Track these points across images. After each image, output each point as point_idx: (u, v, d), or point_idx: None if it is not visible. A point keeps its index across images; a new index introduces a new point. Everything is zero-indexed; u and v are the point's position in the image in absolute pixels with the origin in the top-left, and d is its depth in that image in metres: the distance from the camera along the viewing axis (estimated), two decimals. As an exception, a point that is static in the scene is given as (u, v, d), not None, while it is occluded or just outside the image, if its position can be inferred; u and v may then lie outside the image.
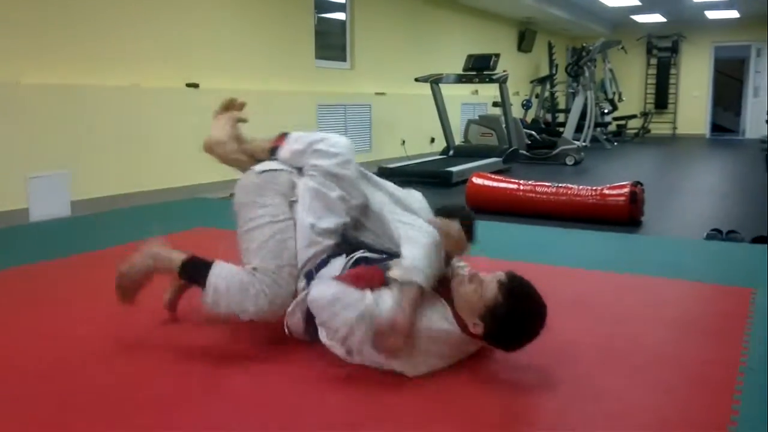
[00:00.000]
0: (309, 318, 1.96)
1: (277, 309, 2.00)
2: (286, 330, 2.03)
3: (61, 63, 4.81)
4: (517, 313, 1.85)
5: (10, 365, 2.04)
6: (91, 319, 2.43)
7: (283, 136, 2.23)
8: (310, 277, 2.02)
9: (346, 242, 2.08)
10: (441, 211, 2.26)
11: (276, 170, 2.15)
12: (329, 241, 2.05)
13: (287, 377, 1.94)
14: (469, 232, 2.20)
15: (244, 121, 2.36)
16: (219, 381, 1.91)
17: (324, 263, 2.03)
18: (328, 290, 1.87)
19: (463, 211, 2.35)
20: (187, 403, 1.78)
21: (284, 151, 2.18)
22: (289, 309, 2.00)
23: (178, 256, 2.08)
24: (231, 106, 2.37)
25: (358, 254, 2.03)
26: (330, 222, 2.05)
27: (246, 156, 2.27)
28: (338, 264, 2.02)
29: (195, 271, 2.05)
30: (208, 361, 2.04)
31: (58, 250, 3.60)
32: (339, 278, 1.93)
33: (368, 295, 1.84)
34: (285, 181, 2.13)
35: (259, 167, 2.17)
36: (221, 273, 2.02)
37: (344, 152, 2.11)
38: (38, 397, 1.82)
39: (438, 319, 1.92)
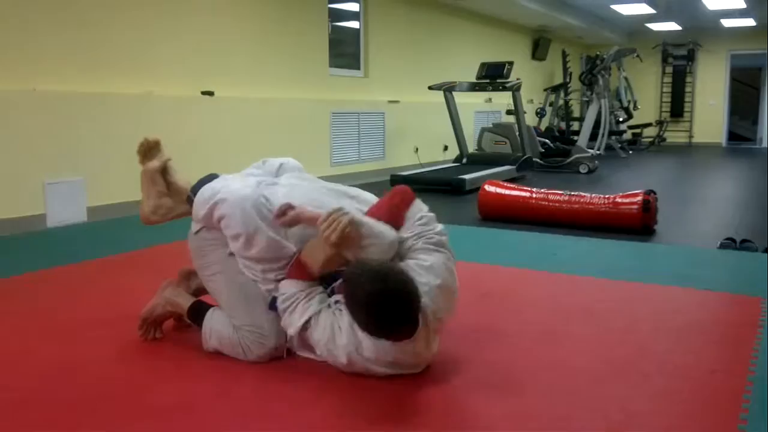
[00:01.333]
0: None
1: (272, 352, 2.07)
2: (284, 354, 2.09)
3: (77, 71, 4.88)
4: (358, 301, 1.78)
5: (21, 367, 2.08)
6: (103, 324, 2.47)
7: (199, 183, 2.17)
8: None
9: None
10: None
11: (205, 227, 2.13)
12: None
13: (293, 383, 1.96)
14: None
15: (167, 161, 2.31)
16: (228, 387, 1.93)
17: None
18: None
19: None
20: (196, 408, 1.81)
21: (194, 211, 2.13)
22: (296, 344, 2.05)
23: (185, 302, 2.24)
24: (147, 149, 2.31)
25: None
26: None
27: (183, 204, 2.24)
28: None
29: (196, 317, 2.19)
30: (216, 367, 2.07)
31: (75, 255, 3.65)
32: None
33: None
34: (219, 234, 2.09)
35: (193, 227, 2.18)
36: (214, 326, 2.12)
37: (241, 230, 1.98)
38: (46, 399, 1.85)
39: (360, 335, 1.90)
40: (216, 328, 2.11)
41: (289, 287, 1.99)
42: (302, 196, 2.08)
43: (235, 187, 2.06)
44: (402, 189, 2.12)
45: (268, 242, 1.99)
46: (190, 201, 2.15)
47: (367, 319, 1.78)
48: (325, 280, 2.04)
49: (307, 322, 1.95)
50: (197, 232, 2.15)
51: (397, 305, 1.74)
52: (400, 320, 1.77)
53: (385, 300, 1.72)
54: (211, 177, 2.18)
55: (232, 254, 2.06)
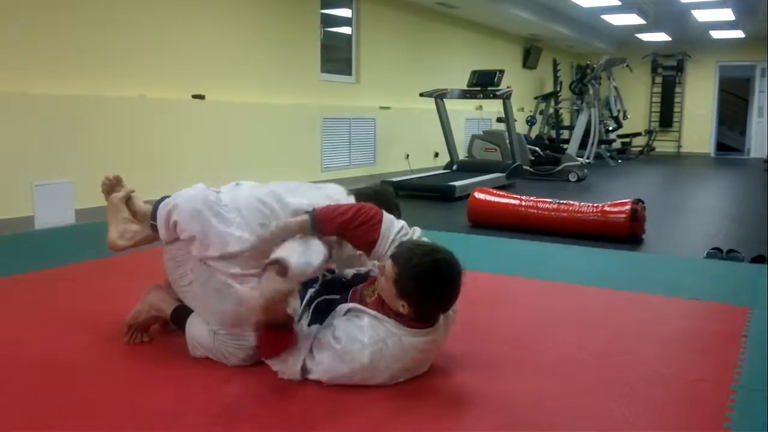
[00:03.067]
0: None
1: (252, 354, 2.08)
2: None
3: (68, 74, 4.86)
4: (419, 271, 1.87)
5: (5, 370, 2.06)
6: (90, 327, 2.46)
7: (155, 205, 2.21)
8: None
9: None
10: (361, 195, 2.27)
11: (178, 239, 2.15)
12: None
13: (283, 386, 1.96)
14: (393, 208, 2.19)
15: (131, 191, 2.39)
16: (217, 389, 1.93)
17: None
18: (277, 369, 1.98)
19: (382, 190, 2.37)
20: (185, 412, 1.80)
21: (160, 231, 2.16)
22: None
23: (168, 307, 2.26)
24: (111, 187, 2.39)
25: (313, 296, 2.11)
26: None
27: (149, 229, 2.27)
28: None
29: (180, 322, 2.21)
30: (205, 370, 2.06)
31: (62, 257, 3.63)
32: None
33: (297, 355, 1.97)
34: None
35: (164, 244, 2.22)
36: (194, 334, 2.14)
37: (194, 231, 2.03)
38: (30, 403, 1.84)
39: (382, 333, 1.94)
40: (196, 336, 2.13)
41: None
42: (244, 199, 2.13)
43: (184, 193, 2.14)
44: (368, 214, 2.03)
45: (222, 238, 2.01)
46: (153, 227, 2.20)
47: (419, 288, 1.88)
48: (334, 287, 2.08)
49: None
50: (168, 246, 2.18)
51: (447, 274, 1.89)
52: (449, 288, 1.91)
53: (436, 269, 1.88)
54: (164, 198, 2.20)
55: (203, 262, 2.07)
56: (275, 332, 1.93)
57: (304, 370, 1.96)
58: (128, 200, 2.37)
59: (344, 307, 2.04)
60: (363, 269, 2.22)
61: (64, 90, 4.81)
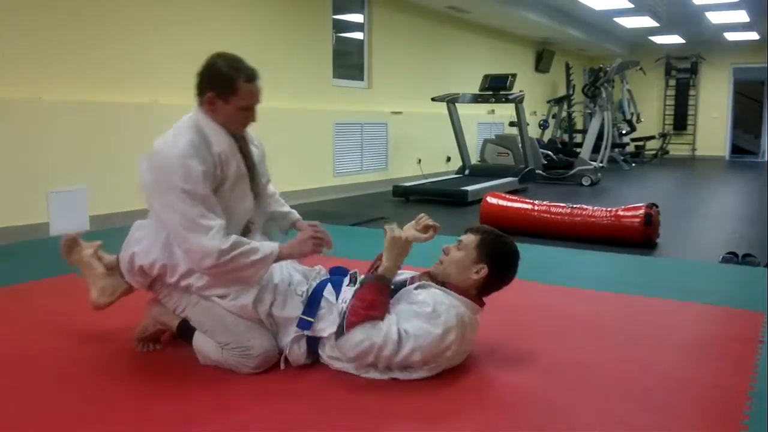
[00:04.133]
0: (310, 348, 2.10)
1: (266, 361, 2.09)
2: (283, 365, 2.11)
3: (83, 80, 4.91)
4: (500, 237, 2.19)
5: (21, 375, 2.08)
6: (104, 333, 2.48)
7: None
8: (307, 325, 2.09)
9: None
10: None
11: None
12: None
13: (292, 392, 1.96)
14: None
15: (98, 246, 2.41)
16: (228, 397, 1.94)
17: (314, 304, 2.11)
18: (358, 339, 1.98)
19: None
20: (195, 419, 1.81)
21: (131, 281, 2.21)
22: (287, 351, 2.10)
23: (173, 321, 2.25)
24: (69, 248, 2.42)
25: (323, 283, 2.16)
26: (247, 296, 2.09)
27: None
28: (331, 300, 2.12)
29: (186, 335, 2.22)
30: (216, 377, 2.07)
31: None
32: (355, 315, 1.98)
33: (389, 320, 1.99)
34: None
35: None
36: (201, 349, 2.15)
37: (156, 257, 2.09)
38: (45, 407, 1.85)
39: (454, 300, 2.08)
40: (203, 350, 2.15)
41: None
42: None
43: (131, 240, 2.17)
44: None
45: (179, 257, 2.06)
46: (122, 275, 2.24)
47: (500, 249, 2.16)
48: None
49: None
50: (150, 288, 2.20)
51: (516, 248, 2.21)
52: (517, 262, 2.21)
53: (512, 241, 2.21)
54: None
55: (184, 290, 2.11)
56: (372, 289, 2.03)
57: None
58: (98, 255, 2.39)
59: (412, 285, 2.14)
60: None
61: (79, 96, 4.85)
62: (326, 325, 2.07)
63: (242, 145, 2.19)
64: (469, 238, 2.15)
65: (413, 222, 2.17)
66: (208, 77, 2.10)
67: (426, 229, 2.16)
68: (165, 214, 2.02)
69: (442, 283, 2.13)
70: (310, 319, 2.09)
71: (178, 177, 1.96)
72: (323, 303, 2.11)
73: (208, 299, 2.10)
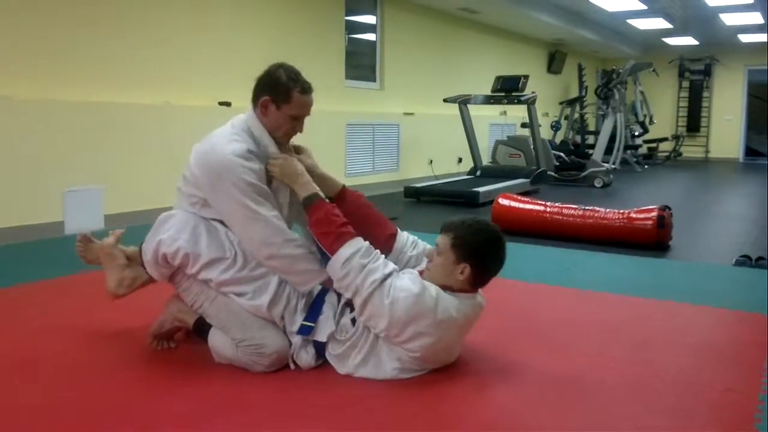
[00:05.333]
0: (318, 352, 2.11)
1: (279, 360, 2.11)
2: (292, 365, 2.13)
3: (97, 81, 4.95)
4: (474, 232, 2.09)
5: (36, 373, 2.11)
6: (119, 331, 2.50)
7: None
8: (307, 330, 2.12)
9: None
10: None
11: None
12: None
13: (303, 390, 1.97)
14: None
15: (120, 234, 2.43)
16: (243, 395, 1.95)
17: (316, 310, 2.13)
18: (348, 253, 2.01)
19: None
20: (211, 417, 1.82)
21: (151, 272, 2.21)
22: (295, 353, 2.12)
23: (190, 318, 2.28)
24: (86, 247, 2.46)
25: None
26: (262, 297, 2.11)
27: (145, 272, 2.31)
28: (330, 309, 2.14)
29: (202, 333, 2.25)
30: (230, 375, 2.09)
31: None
32: (326, 237, 2.05)
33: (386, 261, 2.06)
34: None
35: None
36: (216, 346, 2.18)
37: (181, 244, 2.10)
38: (60, 406, 1.88)
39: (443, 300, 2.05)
40: (218, 347, 2.17)
41: (355, 244, 2.03)
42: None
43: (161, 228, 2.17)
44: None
45: (210, 241, 2.09)
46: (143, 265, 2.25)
47: (480, 244, 2.08)
48: None
49: (389, 275, 2.01)
50: (170, 280, 2.22)
51: (499, 233, 2.14)
52: (503, 247, 2.13)
53: (491, 228, 2.14)
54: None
55: (204, 284, 2.13)
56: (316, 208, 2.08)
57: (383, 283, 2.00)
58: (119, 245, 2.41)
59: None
60: None
61: (93, 97, 4.89)
62: (327, 330, 2.10)
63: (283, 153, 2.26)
64: (443, 241, 2.09)
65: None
66: (266, 83, 2.20)
67: (297, 150, 2.28)
68: (225, 206, 2.10)
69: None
70: (311, 324, 2.12)
71: (239, 170, 2.05)
72: (324, 308, 2.14)
73: (226, 296, 2.12)
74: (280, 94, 2.16)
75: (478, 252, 2.07)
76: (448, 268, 2.07)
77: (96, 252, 2.44)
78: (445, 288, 2.07)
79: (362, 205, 2.36)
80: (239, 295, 2.11)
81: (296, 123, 2.22)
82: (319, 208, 2.09)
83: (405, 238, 2.34)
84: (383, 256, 2.09)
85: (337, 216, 2.08)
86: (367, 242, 2.06)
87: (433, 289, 2.03)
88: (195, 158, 2.15)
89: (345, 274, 2.00)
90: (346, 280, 2.01)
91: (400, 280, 2.01)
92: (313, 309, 2.14)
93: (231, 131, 2.17)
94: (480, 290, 2.18)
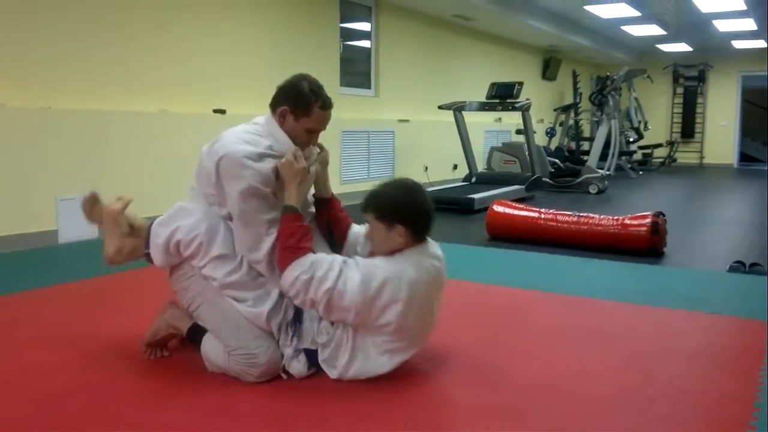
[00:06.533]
0: (310, 360, 2.12)
1: (270, 371, 2.10)
2: (284, 375, 2.13)
3: (91, 89, 4.95)
4: (388, 194, 2.15)
5: (27, 383, 2.10)
6: (113, 340, 2.49)
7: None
8: (295, 332, 2.14)
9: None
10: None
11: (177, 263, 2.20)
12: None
13: (296, 398, 1.97)
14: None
15: (128, 202, 2.39)
16: (234, 404, 1.95)
17: (299, 315, 2.15)
18: (295, 275, 2.03)
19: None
20: (203, 426, 1.82)
21: (155, 257, 2.21)
22: (287, 363, 2.12)
23: (184, 325, 2.29)
24: (92, 204, 2.42)
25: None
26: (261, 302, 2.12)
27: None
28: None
29: (195, 340, 2.25)
30: (223, 384, 2.08)
31: (85, 271, 3.68)
32: (282, 252, 2.07)
33: (335, 258, 2.10)
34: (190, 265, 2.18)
35: (165, 272, 2.26)
36: (208, 354, 2.18)
37: (195, 232, 2.12)
38: (51, 416, 1.87)
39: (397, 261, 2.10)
40: (210, 355, 2.17)
41: (300, 264, 2.04)
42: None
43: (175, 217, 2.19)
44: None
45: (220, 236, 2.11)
46: (147, 256, 2.24)
47: (401, 200, 2.13)
48: None
49: (339, 273, 2.03)
50: (171, 274, 2.21)
51: (414, 183, 2.22)
52: (423, 194, 2.19)
53: (403, 181, 2.21)
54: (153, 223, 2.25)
55: (206, 280, 2.13)
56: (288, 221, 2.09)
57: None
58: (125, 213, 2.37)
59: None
60: None
61: (88, 105, 4.89)
62: (308, 335, 2.12)
63: None
64: (370, 218, 2.15)
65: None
66: (288, 93, 2.21)
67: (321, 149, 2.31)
68: (229, 204, 2.11)
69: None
70: (291, 328, 2.14)
71: (245, 172, 2.06)
72: (305, 316, 2.14)
73: (225, 300, 2.12)
74: (301, 106, 2.18)
75: (401, 210, 2.11)
76: (386, 238, 2.12)
77: (101, 214, 2.39)
78: (395, 254, 2.12)
79: (338, 210, 2.43)
80: (240, 300, 2.11)
81: (312, 136, 2.24)
82: (291, 220, 2.11)
83: (356, 230, 2.37)
84: (331, 256, 2.11)
85: (299, 233, 2.09)
86: (313, 255, 2.07)
87: (378, 261, 2.09)
88: (206, 156, 2.16)
89: (296, 294, 2.04)
90: (298, 298, 2.05)
91: (349, 270, 2.05)
92: (298, 315, 2.15)
93: (243, 132, 2.18)
94: (430, 241, 2.22)
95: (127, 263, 2.38)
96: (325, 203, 2.38)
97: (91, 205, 2.42)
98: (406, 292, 2.03)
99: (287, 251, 2.06)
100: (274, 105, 2.23)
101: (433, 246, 2.22)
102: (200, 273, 2.13)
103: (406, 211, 2.12)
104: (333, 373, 2.10)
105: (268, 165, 2.11)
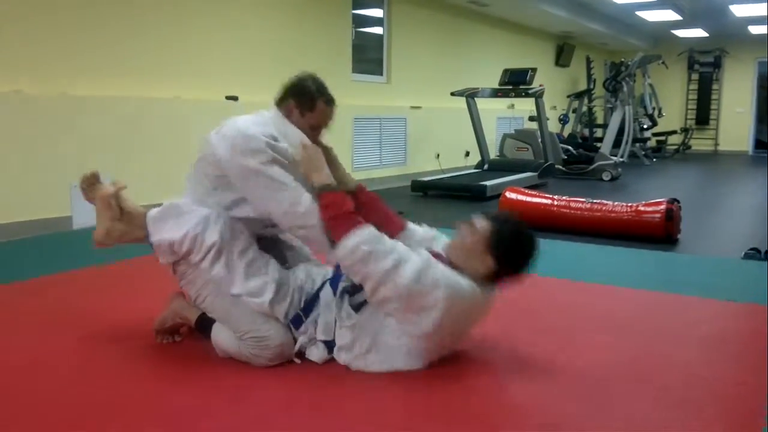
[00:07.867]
0: (328, 347, 2.11)
1: (282, 353, 2.11)
2: (298, 360, 2.13)
3: (105, 76, 4.96)
4: (514, 228, 2.09)
5: (41, 368, 2.12)
6: (126, 325, 2.51)
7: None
8: (298, 322, 2.13)
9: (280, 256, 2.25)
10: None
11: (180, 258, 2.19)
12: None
13: (309, 384, 1.98)
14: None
15: (121, 188, 2.37)
16: (245, 390, 1.96)
17: (311, 305, 2.14)
18: (354, 243, 1.98)
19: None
20: (213, 412, 1.83)
21: (155, 243, 2.21)
22: (306, 350, 2.13)
23: (193, 315, 2.31)
24: (90, 183, 2.42)
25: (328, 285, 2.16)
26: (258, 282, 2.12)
27: (138, 228, 2.30)
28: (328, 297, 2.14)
29: (204, 330, 2.26)
30: (233, 371, 2.09)
31: (99, 257, 3.70)
32: (331, 220, 2.04)
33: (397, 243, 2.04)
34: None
35: (170, 268, 2.25)
36: (219, 342, 2.18)
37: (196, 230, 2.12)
38: (64, 400, 1.89)
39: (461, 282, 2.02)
40: (221, 343, 2.18)
41: (360, 233, 2.00)
42: None
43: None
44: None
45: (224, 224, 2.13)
46: (152, 247, 2.23)
47: (513, 244, 2.07)
48: None
49: (398, 258, 1.99)
50: (174, 271, 2.21)
51: (535, 240, 2.12)
52: (534, 253, 2.11)
53: (530, 233, 2.12)
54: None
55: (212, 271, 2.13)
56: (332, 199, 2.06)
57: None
58: (118, 198, 2.37)
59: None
60: None
61: (102, 92, 4.90)
62: (323, 323, 2.11)
63: None
64: (483, 224, 2.07)
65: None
66: (294, 89, 2.26)
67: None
68: (249, 182, 2.09)
69: (449, 262, 2.09)
70: (303, 316, 2.13)
71: (265, 147, 2.07)
72: (321, 304, 2.14)
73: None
74: (306, 101, 2.23)
75: (511, 254, 2.06)
76: (473, 253, 2.06)
77: (96, 195, 2.41)
78: (457, 269, 2.05)
79: (375, 199, 2.37)
80: (239, 294, 2.11)
81: (316, 132, 2.27)
82: (333, 194, 2.09)
83: (418, 229, 2.33)
84: (392, 240, 2.06)
85: (348, 203, 2.08)
86: (373, 228, 2.03)
87: (441, 265, 2.03)
88: (218, 140, 2.14)
89: (351, 264, 2.00)
90: (354, 269, 2.01)
91: (411, 256, 2.00)
92: (309, 305, 2.14)
93: (255, 119, 2.20)
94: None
95: (129, 249, 2.39)
96: (357, 194, 2.33)
97: (89, 185, 2.43)
98: (452, 305, 1.98)
99: (339, 219, 2.02)
100: (280, 101, 2.26)
101: (491, 294, 2.15)
102: (201, 266, 2.13)
103: (511, 262, 2.08)
104: (349, 360, 2.08)
105: (282, 144, 2.13)
